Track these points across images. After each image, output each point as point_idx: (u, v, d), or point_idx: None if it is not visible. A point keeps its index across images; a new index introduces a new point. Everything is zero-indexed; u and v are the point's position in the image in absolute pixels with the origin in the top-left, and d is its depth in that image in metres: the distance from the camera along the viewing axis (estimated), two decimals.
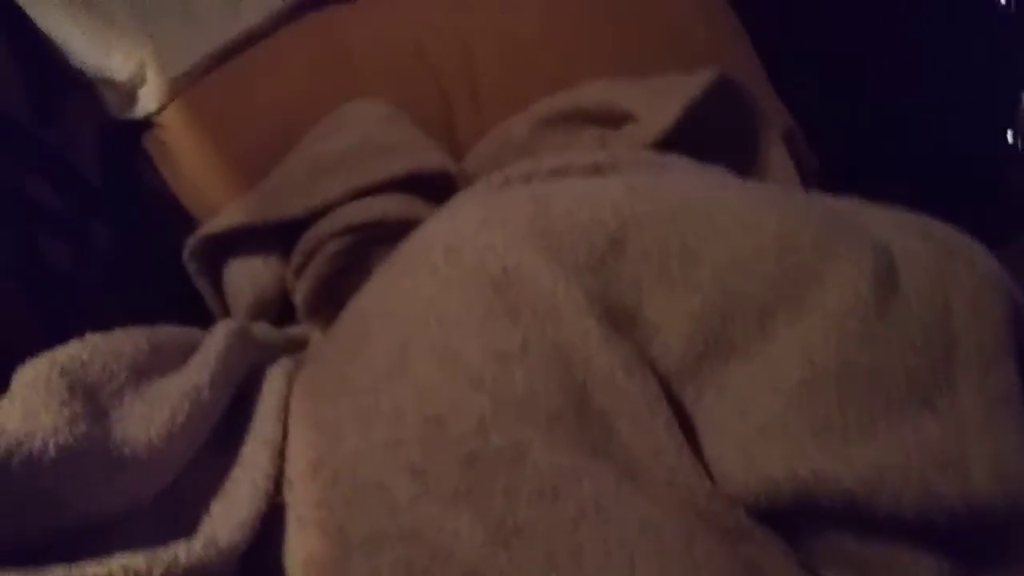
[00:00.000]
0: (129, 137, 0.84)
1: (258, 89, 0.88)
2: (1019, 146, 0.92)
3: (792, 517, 0.48)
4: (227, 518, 0.44)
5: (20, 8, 0.82)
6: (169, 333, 0.55)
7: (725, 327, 0.54)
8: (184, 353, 0.55)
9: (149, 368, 0.50)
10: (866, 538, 0.48)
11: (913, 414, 0.47)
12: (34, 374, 0.42)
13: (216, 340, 0.54)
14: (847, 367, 0.49)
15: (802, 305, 0.54)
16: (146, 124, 0.87)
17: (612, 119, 0.83)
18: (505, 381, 0.50)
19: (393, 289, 0.59)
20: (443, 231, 0.60)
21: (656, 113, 0.78)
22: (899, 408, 0.47)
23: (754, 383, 0.51)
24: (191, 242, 0.76)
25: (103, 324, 0.51)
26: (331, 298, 0.76)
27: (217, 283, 0.78)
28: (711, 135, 0.82)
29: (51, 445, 0.41)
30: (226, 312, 0.78)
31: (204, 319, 0.76)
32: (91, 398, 0.44)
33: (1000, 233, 0.68)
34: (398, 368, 0.52)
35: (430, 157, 0.79)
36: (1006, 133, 0.92)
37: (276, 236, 0.78)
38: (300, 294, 0.77)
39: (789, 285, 0.54)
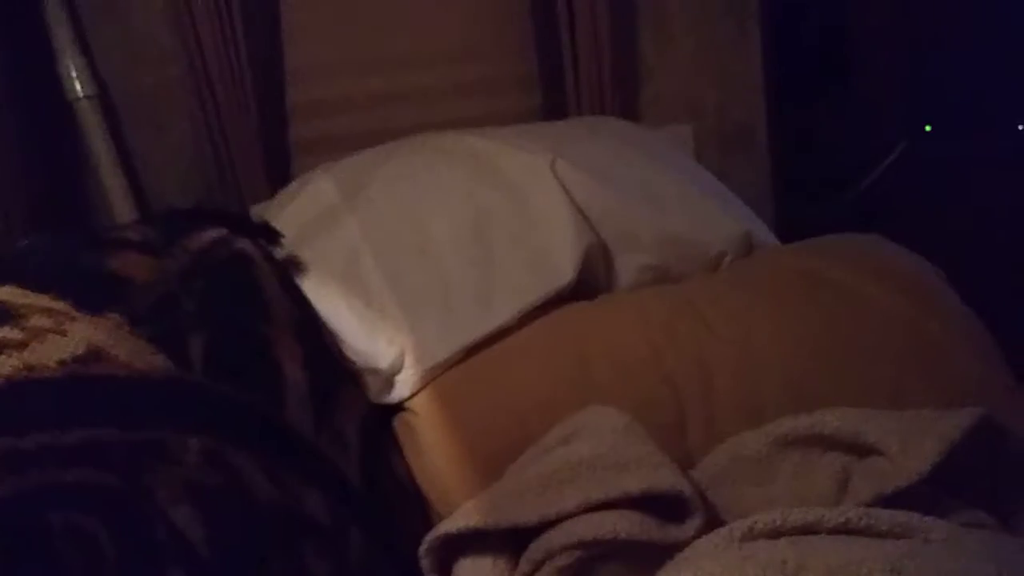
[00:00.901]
0: (383, 422, 0.91)
1: (501, 386, 0.93)
2: None
3: None
4: None
5: (312, 307, 0.94)
6: None
7: None
8: None
9: None
10: None
11: None
12: None
13: None
14: None
15: None
16: (396, 407, 0.95)
17: (856, 450, 0.80)
18: None
19: None
20: None
21: (911, 455, 0.75)
22: None
23: None
24: (428, 540, 0.79)
25: None
26: None
27: None
28: (966, 472, 0.77)
29: None
30: None
31: None
32: None
33: None
34: None
35: (665, 477, 0.79)
36: None
37: (507, 538, 0.80)
38: None
39: None
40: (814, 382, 0.91)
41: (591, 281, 1.09)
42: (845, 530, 0.65)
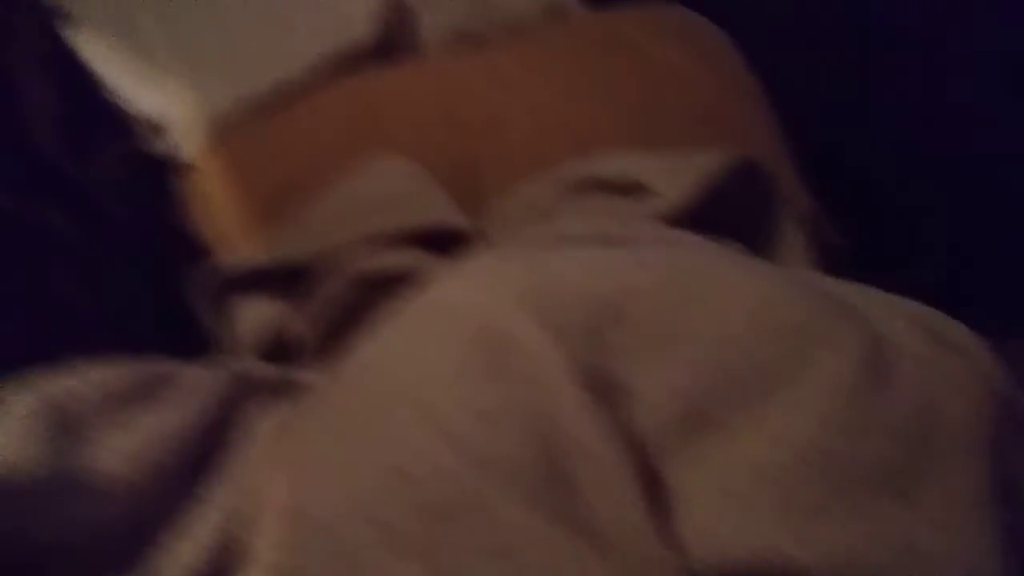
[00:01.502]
0: (162, 176, 0.87)
1: (289, 139, 0.91)
2: None
3: None
4: (184, 553, 0.45)
5: (69, 43, 0.87)
6: (165, 368, 0.56)
7: (709, 404, 0.53)
8: (178, 389, 0.56)
9: (138, 401, 0.51)
10: None
11: (884, 503, 0.46)
12: (25, 410, 0.44)
13: (213, 382, 0.55)
14: (823, 452, 0.48)
15: (786, 387, 0.53)
16: (181, 164, 0.91)
17: (629, 190, 0.84)
18: (477, 438, 0.50)
19: (386, 345, 0.60)
20: (440, 291, 0.61)
21: (673, 187, 0.78)
22: (870, 496, 0.46)
23: (731, 461, 0.50)
24: (206, 282, 0.78)
25: (102, 353, 0.52)
26: (334, 342, 0.78)
27: (224, 317, 0.80)
28: (729, 214, 0.82)
29: (28, 477, 0.43)
30: (231, 347, 0.80)
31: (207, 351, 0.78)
32: (75, 432, 0.46)
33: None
34: (376, 420, 0.52)
35: (444, 213, 0.81)
36: None
37: (285, 277, 0.80)
38: (304, 336, 0.78)
39: (775, 367, 0.54)
40: (603, 132, 0.93)
41: (393, 49, 1.06)
42: (606, 243, 0.68)
